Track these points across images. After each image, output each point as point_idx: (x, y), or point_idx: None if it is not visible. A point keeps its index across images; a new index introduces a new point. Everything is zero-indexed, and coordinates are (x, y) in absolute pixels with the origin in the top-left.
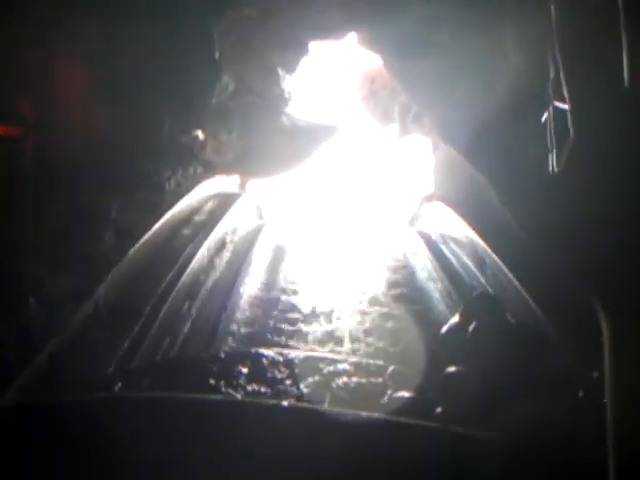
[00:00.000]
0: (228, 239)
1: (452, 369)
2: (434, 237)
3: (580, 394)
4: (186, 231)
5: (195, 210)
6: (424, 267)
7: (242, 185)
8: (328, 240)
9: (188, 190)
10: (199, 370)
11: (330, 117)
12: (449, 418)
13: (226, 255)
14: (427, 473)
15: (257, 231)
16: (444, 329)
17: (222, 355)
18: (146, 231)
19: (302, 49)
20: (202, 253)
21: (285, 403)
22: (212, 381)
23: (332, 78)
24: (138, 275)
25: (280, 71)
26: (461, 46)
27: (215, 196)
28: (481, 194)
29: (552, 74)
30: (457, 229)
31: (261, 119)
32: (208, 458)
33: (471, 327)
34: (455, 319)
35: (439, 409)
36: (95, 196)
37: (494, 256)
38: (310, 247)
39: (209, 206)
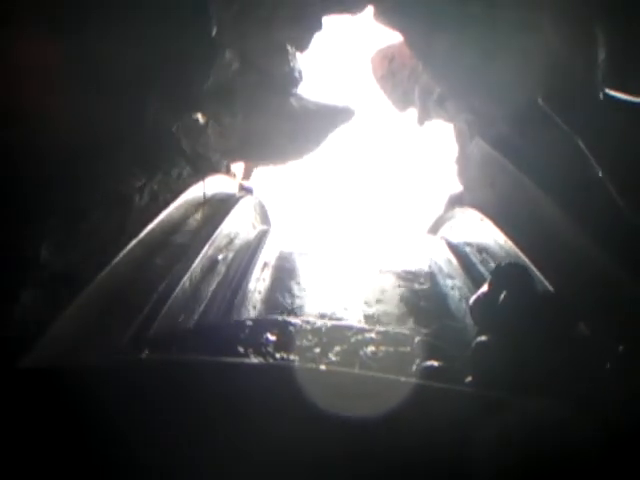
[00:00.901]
0: (220, 257)
1: (482, 338)
2: (465, 248)
3: (607, 366)
4: (161, 260)
5: (177, 225)
6: (454, 286)
7: (247, 174)
8: (340, 250)
9: (167, 202)
10: (226, 337)
11: (344, 99)
12: (478, 387)
13: (216, 280)
14: (459, 436)
15: (259, 240)
16: (472, 298)
17: (249, 322)
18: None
19: (314, 24)
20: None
21: (321, 366)
22: (240, 349)
23: (347, 56)
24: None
25: (289, 48)
26: (496, 20)
27: (208, 202)
28: (525, 197)
29: (601, 56)
30: (492, 238)
31: (268, 101)
32: (244, 422)
33: (501, 296)
34: (484, 289)
35: (469, 378)
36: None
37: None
38: (321, 260)
39: (196, 219)
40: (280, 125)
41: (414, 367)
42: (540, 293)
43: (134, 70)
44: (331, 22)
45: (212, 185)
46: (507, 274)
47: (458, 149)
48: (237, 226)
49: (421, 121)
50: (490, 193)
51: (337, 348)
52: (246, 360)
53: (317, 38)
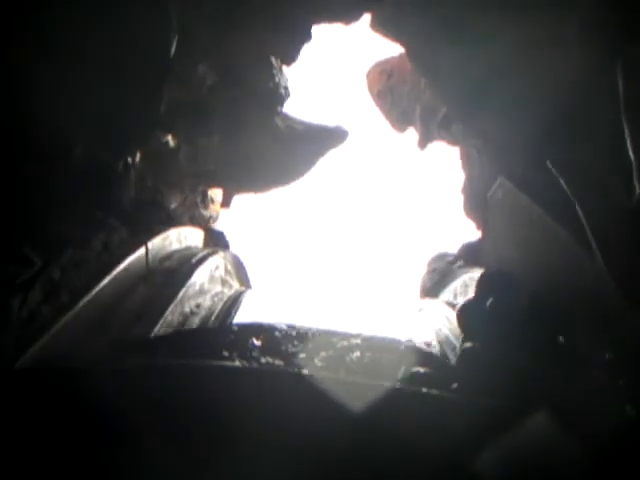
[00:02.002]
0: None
1: (468, 344)
2: None
3: (594, 373)
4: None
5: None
6: None
7: (226, 201)
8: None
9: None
10: (212, 342)
11: (336, 119)
12: (465, 393)
13: None
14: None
15: (228, 312)
16: (459, 306)
17: (235, 328)
18: None
19: (303, 34)
20: None
21: (306, 372)
22: (225, 353)
23: (339, 71)
24: None
25: (274, 60)
26: (512, 31)
27: (155, 271)
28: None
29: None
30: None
31: (250, 120)
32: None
33: (488, 302)
34: (470, 296)
35: (455, 385)
36: None
37: None
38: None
39: (134, 302)
40: (263, 147)
41: (399, 374)
42: (526, 300)
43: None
44: (322, 32)
45: (164, 245)
46: (493, 281)
47: (465, 177)
48: (197, 297)
49: (422, 144)
50: (523, 252)
51: (323, 354)
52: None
53: (306, 50)
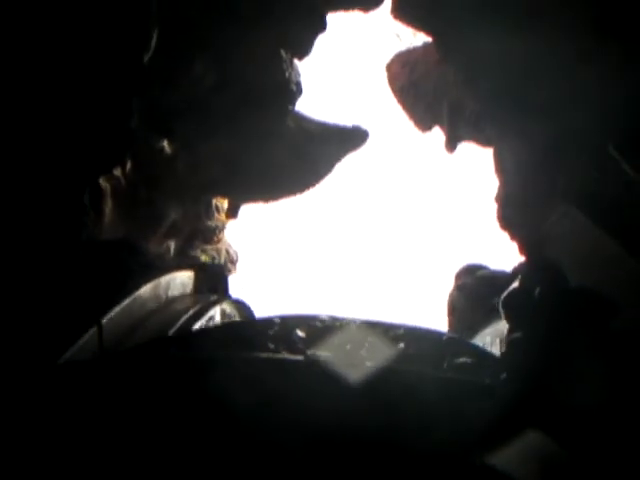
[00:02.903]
0: None
1: (516, 335)
2: None
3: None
4: None
5: None
6: None
7: (232, 211)
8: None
9: None
10: (257, 334)
11: (355, 118)
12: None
13: None
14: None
15: None
16: (504, 295)
17: (277, 320)
18: None
19: (317, 23)
20: None
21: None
22: (271, 345)
23: (357, 64)
24: None
25: (284, 54)
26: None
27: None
28: None
29: None
30: None
31: (257, 121)
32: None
33: (536, 292)
34: (515, 285)
35: (504, 375)
36: None
37: None
38: None
39: None
40: (274, 152)
41: (445, 365)
42: (574, 289)
43: None
44: (337, 21)
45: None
46: (540, 271)
47: (500, 183)
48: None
49: (450, 145)
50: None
51: (366, 344)
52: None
53: (320, 41)
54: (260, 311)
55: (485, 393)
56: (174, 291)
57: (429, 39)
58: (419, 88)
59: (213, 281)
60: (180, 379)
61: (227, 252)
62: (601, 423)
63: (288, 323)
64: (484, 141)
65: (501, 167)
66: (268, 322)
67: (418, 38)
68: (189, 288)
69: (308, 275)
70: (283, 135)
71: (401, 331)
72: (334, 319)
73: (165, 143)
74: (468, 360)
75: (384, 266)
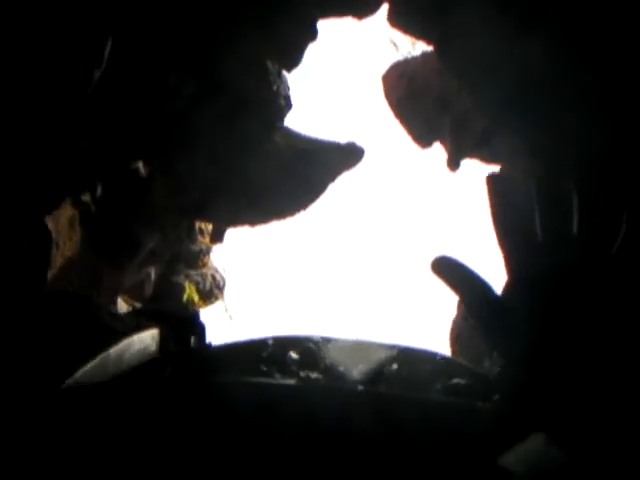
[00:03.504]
0: None
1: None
2: None
3: None
4: None
5: None
6: None
7: (216, 236)
8: None
9: None
10: (248, 356)
11: (349, 134)
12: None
13: None
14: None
15: None
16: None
17: (269, 341)
18: None
19: (307, 31)
20: None
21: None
22: (264, 367)
23: (351, 75)
24: None
25: (271, 65)
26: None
27: None
28: None
29: None
30: None
31: (242, 138)
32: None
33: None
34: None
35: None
36: None
37: None
38: None
39: None
40: (261, 172)
41: (438, 386)
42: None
43: None
44: (329, 28)
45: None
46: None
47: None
48: None
49: (453, 163)
50: None
51: (360, 366)
52: None
53: (310, 50)
54: (252, 332)
55: (479, 415)
56: (131, 361)
57: (429, 48)
58: (418, 101)
59: (183, 332)
60: (177, 403)
61: (213, 277)
62: (601, 421)
63: (280, 345)
64: (490, 158)
65: None
66: (260, 344)
67: (417, 47)
68: (152, 349)
69: (302, 294)
70: (271, 154)
71: (394, 352)
72: (326, 340)
73: (140, 164)
74: (462, 381)
75: (381, 287)
